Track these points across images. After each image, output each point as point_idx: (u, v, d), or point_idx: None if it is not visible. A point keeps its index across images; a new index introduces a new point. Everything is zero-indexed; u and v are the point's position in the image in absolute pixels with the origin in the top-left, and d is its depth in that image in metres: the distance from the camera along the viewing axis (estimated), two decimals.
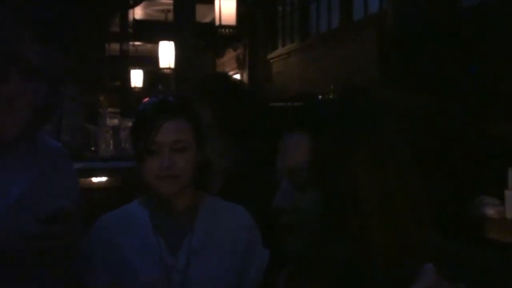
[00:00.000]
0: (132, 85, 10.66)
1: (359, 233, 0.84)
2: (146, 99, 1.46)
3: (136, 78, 10.91)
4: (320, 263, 0.88)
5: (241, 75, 8.26)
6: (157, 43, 8.36)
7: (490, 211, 2.91)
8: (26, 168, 1.06)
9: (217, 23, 5.95)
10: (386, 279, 0.84)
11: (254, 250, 1.43)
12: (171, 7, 8.09)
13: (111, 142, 3.44)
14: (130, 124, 2.01)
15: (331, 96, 4.46)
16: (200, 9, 7.37)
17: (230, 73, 8.01)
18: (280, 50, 7.45)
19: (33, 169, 1.04)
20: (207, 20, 8.80)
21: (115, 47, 9.13)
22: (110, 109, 5.58)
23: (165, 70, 8.16)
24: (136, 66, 10.74)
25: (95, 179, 3.10)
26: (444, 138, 2.94)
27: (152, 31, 8.93)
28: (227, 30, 5.94)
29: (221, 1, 5.91)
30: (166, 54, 8.05)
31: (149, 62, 10.03)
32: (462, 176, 2.96)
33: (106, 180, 3.12)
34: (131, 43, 9.96)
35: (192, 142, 1.38)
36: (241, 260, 1.40)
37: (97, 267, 1.36)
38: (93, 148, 3.52)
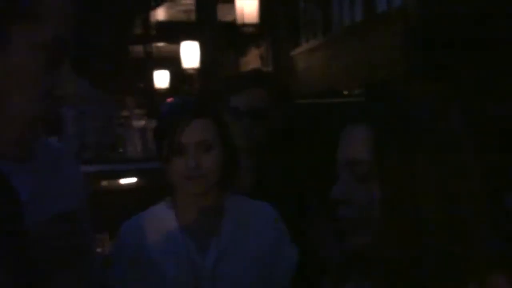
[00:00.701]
0: (157, 86, 10.72)
1: (417, 235, 0.82)
2: (169, 100, 1.45)
3: (161, 79, 10.97)
4: (373, 263, 0.86)
5: None
6: (180, 43, 8.40)
7: None
8: (31, 170, 1.06)
9: (239, 21, 5.94)
10: None
11: (282, 248, 1.41)
12: (193, 7, 8.11)
13: (138, 143, 3.47)
14: None
15: (356, 92, 4.42)
16: (221, 8, 7.38)
17: None
18: (303, 46, 7.41)
19: (38, 171, 1.04)
20: (229, 19, 8.80)
21: (139, 49, 9.21)
22: (136, 111, 5.63)
23: (188, 70, 8.18)
24: (161, 67, 10.80)
25: (122, 181, 3.12)
26: (482, 135, 2.89)
27: (175, 31, 8.96)
28: (249, 28, 5.92)
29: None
30: (189, 54, 8.07)
31: (174, 62, 10.09)
32: (498, 170, 2.90)
33: (134, 182, 3.14)
34: (154, 44, 10.02)
35: (217, 141, 1.37)
36: (268, 258, 1.39)
37: (125, 269, 1.37)
38: (121, 150, 3.55)
